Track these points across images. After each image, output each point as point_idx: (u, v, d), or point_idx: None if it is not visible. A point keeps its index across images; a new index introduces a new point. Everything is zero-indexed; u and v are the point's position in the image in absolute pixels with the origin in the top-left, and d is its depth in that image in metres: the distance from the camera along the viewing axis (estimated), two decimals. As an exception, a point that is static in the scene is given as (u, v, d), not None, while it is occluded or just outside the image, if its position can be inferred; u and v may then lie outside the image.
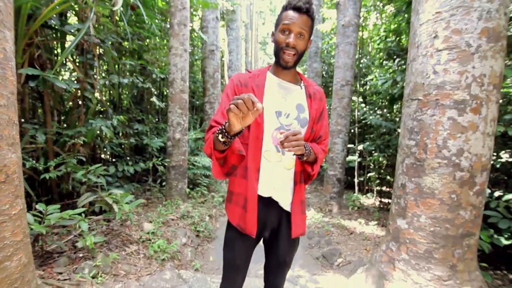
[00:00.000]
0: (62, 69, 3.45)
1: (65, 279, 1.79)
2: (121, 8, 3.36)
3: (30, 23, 2.32)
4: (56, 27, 2.70)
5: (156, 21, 4.67)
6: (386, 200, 4.92)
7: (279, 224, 1.17)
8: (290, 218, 1.16)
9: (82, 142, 2.74)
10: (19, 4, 2.07)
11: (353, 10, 4.50)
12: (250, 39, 16.74)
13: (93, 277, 1.87)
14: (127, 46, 4.33)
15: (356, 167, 5.39)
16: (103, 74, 4.17)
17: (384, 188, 5.22)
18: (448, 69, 1.73)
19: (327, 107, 1.31)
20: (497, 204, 2.25)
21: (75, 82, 2.90)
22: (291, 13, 1.02)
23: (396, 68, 4.23)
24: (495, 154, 2.69)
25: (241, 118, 0.84)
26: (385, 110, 5.42)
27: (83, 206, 2.42)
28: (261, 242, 1.26)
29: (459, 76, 1.70)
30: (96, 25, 3.13)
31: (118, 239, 2.48)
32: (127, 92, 4.77)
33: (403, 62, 4.11)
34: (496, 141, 2.57)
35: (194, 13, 6.61)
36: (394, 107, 5.03)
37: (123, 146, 4.32)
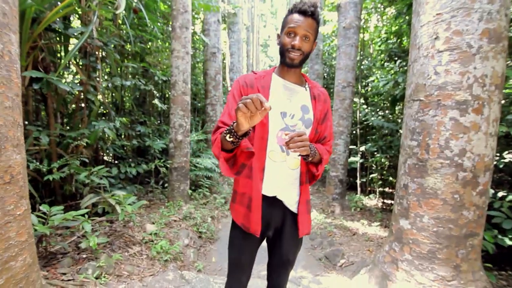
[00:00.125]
0: (66, 72, 3.48)
1: (69, 280, 1.80)
2: (124, 12, 3.40)
3: (34, 27, 2.35)
4: (60, 30, 2.73)
5: (158, 24, 4.71)
6: (388, 201, 4.90)
7: (283, 223, 1.18)
8: (294, 217, 1.17)
9: (85, 144, 2.76)
10: (23, 8, 2.10)
11: (354, 12, 4.52)
12: (252, 42, 16.82)
13: (96, 278, 1.88)
14: (130, 49, 4.37)
15: (358, 168, 5.38)
16: (106, 77, 4.20)
17: (386, 189, 5.20)
18: (449, 70, 1.73)
19: (329, 109, 1.34)
20: (501, 205, 2.24)
21: (78, 84, 2.92)
22: (296, 16, 1.04)
23: (398, 70, 4.23)
24: (498, 154, 2.68)
25: (249, 118, 0.86)
26: (387, 111, 5.41)
27: (86, 207, 2.43)
28: (264, 243, 1.26)
29: (461, 77, 1.70)
30: (99, 28, 3.17)
31: (121, 240, 2.49)
32: (129, 95, 4.80)
33: (404, 63, 4.11)
34: (499, 141, 2.57)
35: (196, 16, 6.66)
36: (396, 108, 5.03)
37: (125, 148, 4.34)
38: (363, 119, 5.64)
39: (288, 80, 1.15)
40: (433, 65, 1.80)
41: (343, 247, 3.19)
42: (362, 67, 6.15)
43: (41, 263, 1.92)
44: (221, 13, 6.98)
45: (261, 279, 2.33)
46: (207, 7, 5.35)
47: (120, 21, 3.84)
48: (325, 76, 8.21)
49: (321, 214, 4.40)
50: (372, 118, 4.92)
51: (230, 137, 0.94)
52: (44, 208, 1.95)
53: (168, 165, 4.01)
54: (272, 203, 1.14)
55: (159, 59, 4.92)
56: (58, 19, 2.62)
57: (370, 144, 4.98)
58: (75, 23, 3.81)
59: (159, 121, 5.68)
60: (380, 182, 5.16)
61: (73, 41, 3.21)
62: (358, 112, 5.73)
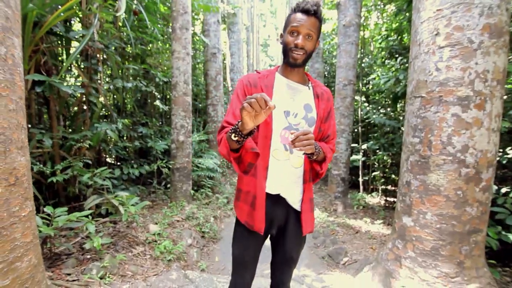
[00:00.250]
0: (68, 75, 3.50)
1: (73, 280, 1.81)
2: (124, 14, 3.42)
3: (36, 30, 2.37)
4: (61, 33, 2.75)
5: (159, 25, 4.73)
6: (391, 199, 4.88)
7: (287, 221, 1.19)
8: (297, 215, 1.18)
9: (87, 146, 2.78)
10: (25, 12, 2.12)
11: (354, 10, 4.51)
12: (252, 42, 16.82)
13: (101, 278, 1.89)
14: (130, 51, 4.38)
15: (360, 166, 5.36)
16: (107, 79, 4.23)
17: (389, 187, 5.18)
18: (450, 66, 1.73)
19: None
20: (504, 201, 2.23)
21: (80, 87, 2.94)
22: (299, 15, 1.05)
23: (399, 67, 4.21)
24: (501, 150, 2.67)
25: (253, 117, 0.88)
26: (388, 109, 5.40)
27: (89, 209, 2.45)
28: (267, 241, 1.27)
29: (462, 73, 1.69)
30: (100, 31, 3.19)
31: (124, 240, 2.51)
32: (131, 96, 4.82)
33: (405, 60, 4.10)
34: (502, 137, 2.55)
35: (195, 17, 6.68)
36: (398, 105, 5.01)
37: (128, 149, 4.36)
38: (364, 117, 5.63)
39: (291, 79, 1.16)
40: (434, 61, 1.79)
41: (346, 245, 3.18)
42: (363, 65, 6.14)
43: (46, 264, 1.94)
44: (221, 13, 6.99)
45: (264, 278, 2.33)
46: (206, 8, 5.36)
47: (120, 24, 3.85)
48: (326, 75, 8.19)
49: (323, 212, 4.39)
50: (374, 116, 4.90)
51: (235, 136, 0.96)
52: (48, 209, 1.97)
53: (170, 166, 4.03)
54: (276, 201, 1.14)
55: (160, 61, 4.94)
56: (59, 23, 2.64)
57: (372, 142, 4.97)
58: (76, 26, 3.84)
59: (160, 122, 5.70)
60: (382, 180, 5.15)
61: (74, 44, 3.23)
62: (359, 110, 5.72)
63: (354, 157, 5.48)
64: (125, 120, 3.55)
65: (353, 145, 5.45)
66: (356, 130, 5.82)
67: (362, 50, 6.23)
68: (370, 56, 6.44)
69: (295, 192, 1.17)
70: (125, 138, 4.36)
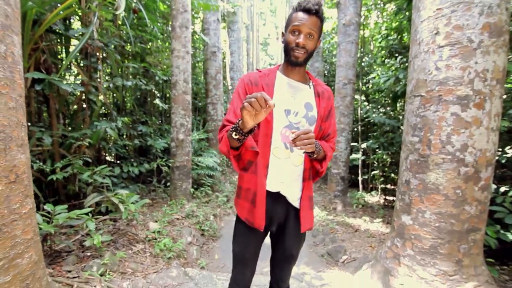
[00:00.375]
0: (67, 73, 3.50)
1: (74, 277, 1.82)
2: (124, 12, 3.41)
3: (35, 29, 2.36)
4: (61, 32, 2.74)
5: (158, 24, 4.72)
6: (390, 198, 4.90)
7: (286, 218, 1.20)
8: (297, 213, 1.19)
9: (87, 144, 2.78)
10: (24, 10, 2.12)
11: (354, 9, 4.51)
12: (251, 40, 16.79)
13: (101, 275, 1.90)
14: (130, 49, 4.38)
15: (360, 165, 5.37)
16: (107, 77, 4.22)
17: (388, 186, 5.19)
18: (450, 65, 1.73)
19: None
20: (503, 200, 2.24)
21: (80, 85, 2.94)
22: (301, 14, 1.05)
23: (398, 66, 4.22)
24: (500, 149, 2.67)
25: (253, 115, 0.89)
26: (388, 108, 5.40)
27: (89, 206, 2.45)
28: (267, 239, 1.28)
29: (462, 72, 1.70)
30: (100, 29, 3.18)
31: (124, 238, 2.51)
32: (130, 95, 4.81)
33: (405, 59, 4.10)
34: (501, 136, 2.56)
35: (195, 15, 6.66)
36: (397, 104, 5.01)
37: (127, 148, 4.36)
38: (364, 116, 5.63)
39: (292, 78, 1.16)
40: (434, 60, 1.80)
41: (345, 243, 3.20)
42: (362, 64, 6.13)
43: (47, 261, 1.94)
44: (221, 12, 6.97)
45: (264, 276, 2.34)
46: (206, 6, 5.35)
47: (120, 22, 3.85)
48: (326, 74, 8.18)
49: (323, 211, 4.40)
50: (373, 115, 4.91)
51: (236, 135, 0.97)
52: (48, 207, 1.97)
53: (170, 164, 4.03)
54: (276, 199, 1.16)
55: (160, 59, 4.93)
56: (58, 21, 2.63)
57: (371, 141, 4.98)
58: (76, 24, 3.83)
59: (160, 121, 5.70)
60: (381, 179, 5.16)
61: (74, 42, 3.23)
62: (359, 109, 5.72)
63: (353, 156, 5.49)
64: (124, 119, 3.55)
65: (352, 144, 5.46)
66: (355, 129, 5.83)
67: (362, 49, 6.22)
68: (370, 55, 6.43)
69: (295, 190, 1.18)
70: (124, 136, 4.36)
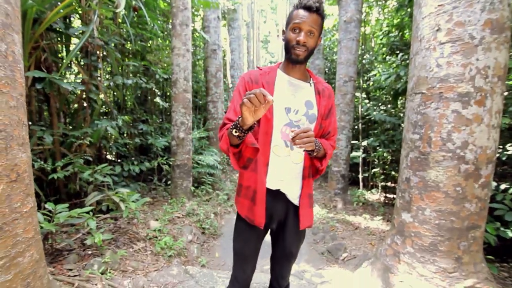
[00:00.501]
0: (68, 72, 3.50)
1: (75, 275, 1.84)
2: (124, 10, 3.40)
3: (36, 27, 2.36)
4: (61, 30, 2.74)
5: (158, 22, 4.71)
6: (391, 196, 4.90)
7: (286, 216, 1.20)
8: (297, 210, 1.19)
9: (88, 143, 2.79)
10: (25, 9, 2.12)
11: (355, 6, 4.48)
12: (252, 38, 16.73)
13: (102, 273, 1.91)
14: (130, 48, 4.37)
15: (360, 163, 5.37)
16: (107, 76, 4.23)
17: (389, 184, 5.19)
18: (451, 62, 1.72)
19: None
20: (503, 197, 2.23)
21: (80, 84, 2.94)
22: (301, 12, 1.05)
23: (400, 63, 4.19)
24: (501, 147, 2.66)
25: (253, 112, 0.89)
26: (389, 106, 5.38)
27: (90, 205, 2.46)
28: (267, 237, 1.29)
29: (463, 69, 1.69)
30: (100, 28, 3.18)
31: (125, 236, 2.53)
32: (131, 93, 4.82)
33: (406, 56, 4.07)
34: (502, 134, 2.55)
35: (195, 13, 6.64)
36: (398, 102, 4.99)
37: (128, 146, 4.37)
38: (365, 113, 5.61)
39: (293, 76, 1.16)
40: (435, 57, 1.79)
41: (345, 241, 3.20)
42: (363, 61, 6.11)
43: (48, 259, 1.96)
44: (221, 9, 6.94)
45: (264, 273, 2.35)
46: (206, 4, 5.32)
47: (120, 20, 3.84)
48: (327, 71, 8.15)
49: (323, 209, 4.41)
50: (374, 113, 4.89)
51: (236, 132, 0.97)
52: (49, 206, 1.98)
53: (171, 163, 4.04)
54: (276, 196, 1.16)
55: (160, 57, 4.92)
56: (59, 19, 2.63)
57: (372, 138, 4.97)
58: (76, 22, 3.82)
59: (161, 119, 5.70)
60: (382, 177, 5.16)
61: (74, 40, 3.22)
62: (360, 106, 5.71)
63: (354, 153, 5.48)
64: (125, 117, 3.55)
65: (353, 142, 5.45)
66: (356, 126, 5.82)
67: (363, 46, 6.19)
68: (371, 53, 6.40)
69: (294, 188, 1.18)
70: (125, 135, 4.37)
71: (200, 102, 6.93)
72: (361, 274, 2.23)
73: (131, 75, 4.43)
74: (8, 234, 1.21)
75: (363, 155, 5.36)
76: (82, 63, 3.19)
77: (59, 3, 2.48)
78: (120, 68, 4.11)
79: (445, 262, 1.75)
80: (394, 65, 4.43)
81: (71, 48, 3.14)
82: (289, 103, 1.13)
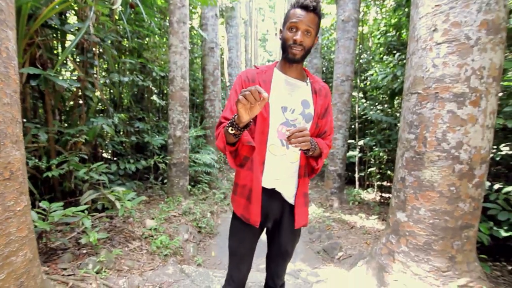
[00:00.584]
0: (63, 68, 3.46)
1: (69, 275, 1.82)
2: (121, 7, 3.37)
3: (31, 23, 2.33)
4: (56, 26, 2.70)
5: (156, 19, 4.67)
6: (386, 195, 4.93)
7: (282, 215, 1.21)
8: (292, 209, 1.20)
9: (83, 141, 2.76)
10: (19, 4, 2.08)
11: (353, 5, 4.48)
12: (250, 36, 16.67)
13: (97, 272, 1.90)
14: (127, 45, 4.33)
15: (356, 162, 5.40)
16: (104, 73, 4.18)
17: (384, 183, 5.22)
18: (447, 62, 1.73)
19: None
20: (497, 197, 2.26)
21: (76, 81, 2.91)
22: (298, 11, 1.05)
23: (397, 63, 4.21)
24: (495, 147, 2.69)
25: (248, 109, 0.89)
26: (385, 105, 5.41)
27: (86, 204, 2.44)
28: (263, 236, 1.29)
29: (459, 69, 1.70)
30: (96, 24, 3.14)
31: (121, 235, 2.52)
32: (127, 91, 4.78)
33: (403, 56, 4.09)
34: (496, 134, 2.58)
35: (193, 10, 6.59)
36: (395, 102, 5.02)
37: (124, 144, 4.34)
38: (361, 113, 5.64)
39: (290, 75, 1.16)
40: (431, 57, 1.80)
41: (341, 240, 3.22)
42: (361, 60, 6.12)
43: (42, 258, 1.94)
44: (219, 7, 6.91)
45: (260, 272, 2.36)
46: (204, 1, 5.29)
47: (117, 17, 3.79)
48: (324, 70, 8.16)
49: (319, 208, 4.43)
50: (371, 112, 4.91)
51: (232, 130, 0.97)
52: (43, 204, 1.96)
53: (167, 161, 4.02)
54: (271, 195, 1.16)
55: (157, 55, 4.88)
56: (54, 15, 2.59)
57: (368, 138, 4.99)
58: (72, 19, 3.78)
59: (157, 117, 5.67)
60: (378, 176, 5.19)
61: (70, 37, 3.18)
62: (356, 106, 5.72)
63: (350, 153, 5.51)
64: (121, 115, 3.53)
65: (350, 141, 5.47)
66: (353, 126, 5.84)
67: (360, 46, 6.21)
68: (368, 52, 6.41)
69: (290, 187, 1.18)
70: (121, 133, 4.34)
71: (198, 100, 6.91)
72: (357, 273, 2.25)
73: (127, 72, 4.39)
74: (1, 233, 1.20)
75: (360, 155, 5.38)
76: (77, 60, 3.15)
77: (54, -1, 2.45)
78: (116, 65, 4.07)
79: (439, 261, 1.77)
80: (391, 65, 4.45)
81: (66, 45, 3.10)
82: (286, 102, 1.13)
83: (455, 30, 1.70)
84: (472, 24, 1.66)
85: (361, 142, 5.25)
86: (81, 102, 3.11)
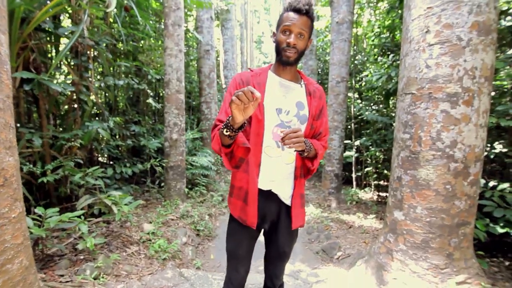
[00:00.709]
0: (57, 72, 3.43)
1: (67, 281, 1.80)
2: (115, 10, 3.35)
3: (24, 27, 2.31)
4: (50, 30, 2.68)
5: (151, 22, 4.66)
6: (383, 194, 4.96)
7: (279, 216, 1.21)
8: (289, 210, 1.20)
9: (79, 145, 2.74)
10: (12, 8, 2.06)
11: (347, 7, 4.53)
12: (245, 38, 16.72)
13: (95, 278, 1.88)
14: (122, 48, 4.31)
15: (353, 162, 5.43)
16: (98, 76, 4.15)
17: (381, 182, 5.26)
18: (440, 63, 1.76)
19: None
20: (492, 194, 2.29)
21: (70, 85, 2.88)
22: (291, 14, 1.06)
23: (391, 64, 4.26)
24: (489, 145, 2.73)
25: (242, 110, 0.89)
26: (380, 106, 5.46)
27: (82, 209, 2.42)
28: (260, 238, 1.29)
29: (451, 70, 1.73)
30: (90, 27, 3.12)
31: (118, 240, 2.49)
32: (123, 94, 4.75)
33: (397, 57, 4.14)
34: (490, 132, 2.62)
35: (188, 13, 6.60)
36: (390, 102, 5.07)
37: (120, 148, 4.31)
38: (357, 113, 5.69)
39: (284, 77, 1.17)
40: (424, 58, 1.82)
41: (339, 240, 3.23)
42: (355, 62, 6.18)
43: (38, 265, 1.91)
44: (214, 9, 6.91)
45: (259, 274, 2.35)
46: (199, 4, 5.30)
47: (111, 20, 3.78)
48: (319, 72, 8.22)
49: (317, 208, 4.44)
50: (366, 113, 4.96)
51: (227, 131, 0.98)
52: (39, 210, 1.94)
53: (164, 164, 4.00)
54: (268, 197, 1.17)
55: (152, 58, 4.86)
56: (48, 19, 2.57)
57: (364, 138, 5.03)
58: (66, 22, 3.75)
59: (153, 120, 5.64)
60: (375, 176, 5.23)
61: (63, 40, 3.16)
62: (352, 107, 5.77)
63: (347, 153, 5.54)
64: (117, 119, 3.50)
65: (346, 141, 5.51)
66: (349, 126, 5.88)
67: (355, 47, 6.27)
68: (363, 53, 6.48)
69: (286, 188, 1.19)
70: (117, 136, 4.31)
71: (194, 103, 6.89)
72: (356, 272, 2.25)
73: (122, 75, 4.37)
74: (-4, 240, 1.18)
75: (356, 155, 5.42)
76: (72, 63, 3.13)
77: (48, 2, 2.43)
78: (111, 68, 4.05)
79: (436, 259, 1.78)
80: (386, 65, 4.50)
81: (60, 49, 3.08)
82: (280, 104, 1.14)
83: (447, 32, 1.73)
84: (463, 26, 1.69)
85: (357, 142, 5.28)
86: (75, 106, 3.08)
